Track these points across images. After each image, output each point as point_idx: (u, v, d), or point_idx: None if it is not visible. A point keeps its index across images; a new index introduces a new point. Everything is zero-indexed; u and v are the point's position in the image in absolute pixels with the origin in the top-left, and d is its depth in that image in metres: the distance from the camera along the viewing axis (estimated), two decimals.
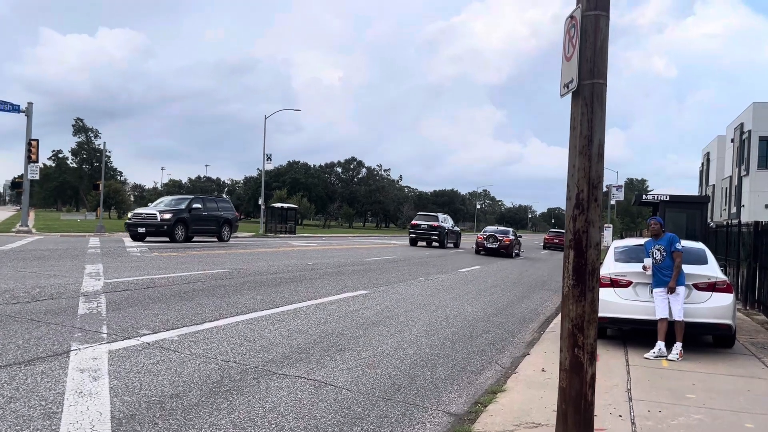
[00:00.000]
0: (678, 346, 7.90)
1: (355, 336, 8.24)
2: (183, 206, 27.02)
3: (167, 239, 25.78)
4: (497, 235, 34.47)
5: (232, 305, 9.82)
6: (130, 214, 28.25)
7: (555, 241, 53.16)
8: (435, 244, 38.09)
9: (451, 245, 39.75)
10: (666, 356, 7.84)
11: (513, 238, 35.01)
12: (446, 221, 39.68)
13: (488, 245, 33.65)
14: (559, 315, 11.89)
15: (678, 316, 7.94)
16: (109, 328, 7.49)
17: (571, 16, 3.70)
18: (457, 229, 42.90)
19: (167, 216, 25.80)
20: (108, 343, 6.72)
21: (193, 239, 27.68)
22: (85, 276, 12.18)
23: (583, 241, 3.56)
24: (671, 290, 7.97)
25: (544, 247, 53.14)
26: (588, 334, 3.55)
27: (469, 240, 51.04)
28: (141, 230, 25.67)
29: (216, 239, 29.00)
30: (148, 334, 7.33)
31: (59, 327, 7.34)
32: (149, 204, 34.53)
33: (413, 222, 39.52)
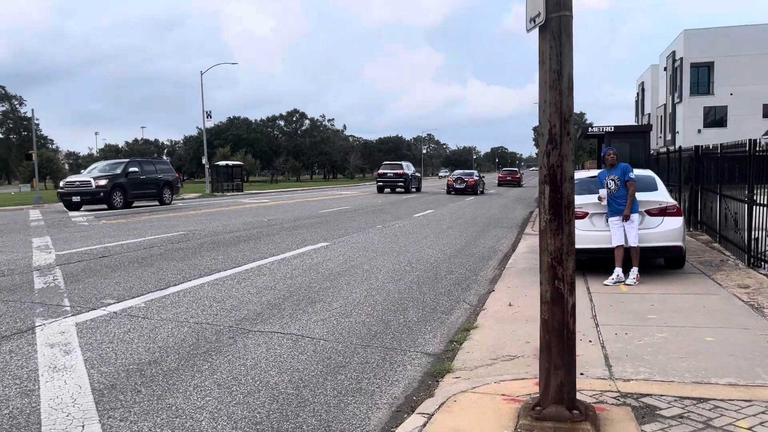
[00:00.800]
0: (635, 271, 8.23)
1: (323, 288, 8.27)
2: (119, 171, 26.03)
3: (105, 206, 24.88)
4: (464, 177, 39.82)
5: (193, 267, 9.66)
6: (62, 183, 26.94)
7: (508, 178, 56.85)
8: (399, 189, 41.23)
9: (414, 190, 42.99)
10: (624, 281, 8.18)
11: (477, 178, 40.44)
12: (409, 168, 43.06)
13: (457, 186, 38.85)
14: (516, 251, 12.25)
15: (633, 242, 8.25)
16: (71, 300, 7.28)
17: None
18: (418, 174, 46.45)
19: (102, 182, 24.82)
20: (73, 315, 6.55)
21: (133, 204, 26.84)
22: (35, 250, 11.73)
23: (558, 175, 3.61)
24: (626, 218, 8.25)
25: (498, 185, 55.58)
26: (567, 266, 3.64)
27: (427, 184, 52.00)
28: (75, 199, 24.64)
29: (158, 203, 28.20)
30: (113, 303, 7.16)
31: (18, 303, 7.10)
32: (82, 171, 33.14)
33: (380, 171, 42.65)
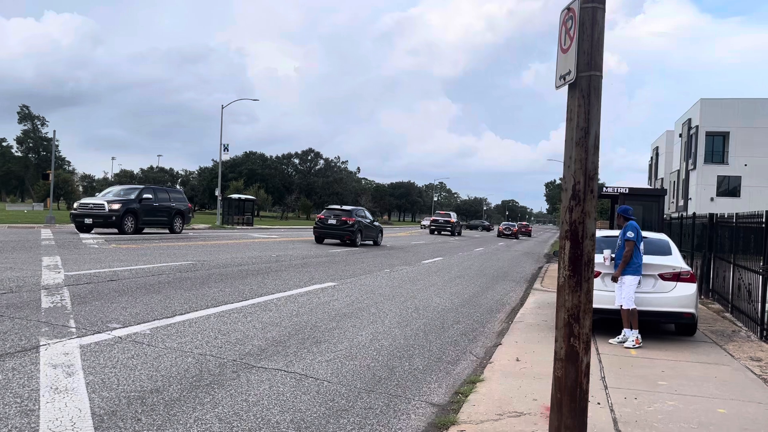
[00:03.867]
0: (633, 333, 8.09)
1: (329, 328, 8.19)
2: (133, 196, 26.11)
3: (116, 231, 24.94)
4: (510, 227, 62.95)
5: (201, 298, 9.63)
6: (76, 204, 26.92)
7: (522, 230, 71.53)
8: (446, 233, 53.76)
9: (457, 234, 55.56)
10: (623, 343, 8.07)
11: (517, 228, 64.15)
12: (454, 217, 57.25)
13: (506, 233, 61.34)
14: (524, 306, 12.12)
15: (626, 305, 8.12)
16: (77, 322, 7.24)
17: (568, 8, 3.72)
18: (461, 222, 62.78)
19: (116, 206, 24.86)
20: (78, 337, 6.50)
21: (144, 231, 26.92)
22: (44, 269, 11.75)
23: (580, 232, 3.61)
24: (614, 279, 8.19)
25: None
26: (584, 324, 3.60)
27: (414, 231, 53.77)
28: (87, 221, 24.67)
29: (168, 231, 28.26)
30: (119, 327, 7.12)
31: (24, 321, 7.06)
32: (97, 194, 33.30)
33: (433, 218, 58.09)
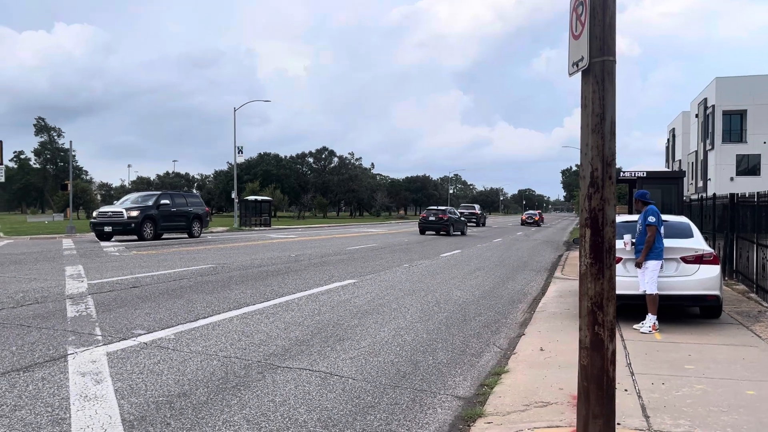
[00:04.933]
0: (651, 319, 8.01)
1: (351, 325, 8.22)
2: (150, 203, 26.38)
3: (135, 237, 25.20)
4: (532, 215, 66.72)
5: (222, 300, 9.71)
6: (95, 213, 27.34)
7: (536, 218, 74.40)
8: (470, 224, 54.72)
9: (481, 224, 58.89)
10: (640, 329, 8.00)
11: (539, 216, 67.86)
12: (478, 209, 61.55)
13: (528, 221, 64.91)
14: (546, 295, 12.06)
15: (644, 289, 8.05)
16: (103, 329, 7.34)
17: None
18: (484, 214, 66.00)
19: (134, 213, 25.12)
20: (104, 345, 6.59)
21: (163, 236, 27.15)
22: (67, 278, 11.92)
23: (600, 219, 3.57)
24: (638, 265, 8.10)
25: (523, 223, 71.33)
26: (607, 312, 3.57)
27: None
28: (107, 229, 24.97)
29: (186, 235, 28.48)
30: (144, 333, 7.21)
31: (51, 331, 7.18)
32: (115, 202, 33.68)
33: (459, 211, 59.57)
